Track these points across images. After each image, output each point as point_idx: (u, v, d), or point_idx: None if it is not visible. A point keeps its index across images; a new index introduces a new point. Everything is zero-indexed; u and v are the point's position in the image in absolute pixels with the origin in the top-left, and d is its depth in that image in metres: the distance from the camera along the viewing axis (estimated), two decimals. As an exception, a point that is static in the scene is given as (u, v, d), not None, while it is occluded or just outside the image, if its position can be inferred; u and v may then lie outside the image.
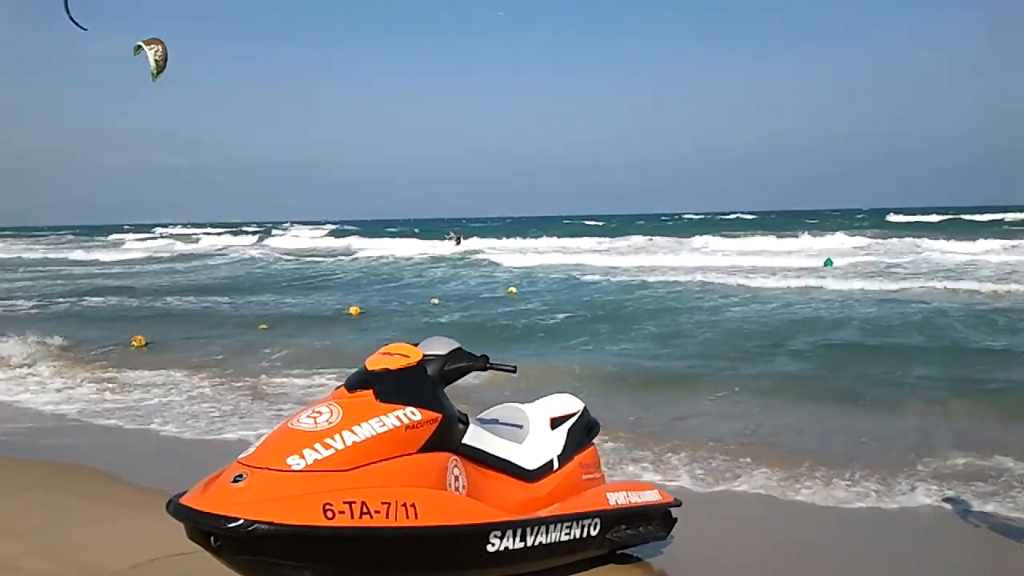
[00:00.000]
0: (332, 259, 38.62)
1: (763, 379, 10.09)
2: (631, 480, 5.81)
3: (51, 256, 47.13)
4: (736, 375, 10.32)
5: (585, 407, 4.30)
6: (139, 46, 6.45)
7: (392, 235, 60.70)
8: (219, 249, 52.61)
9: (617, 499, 4.17)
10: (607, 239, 49.27)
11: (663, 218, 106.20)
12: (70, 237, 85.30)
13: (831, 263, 28.34)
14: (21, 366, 11.93)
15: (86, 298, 22.02)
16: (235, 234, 74.69)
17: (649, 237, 49.22)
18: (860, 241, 39.42)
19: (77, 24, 12.36)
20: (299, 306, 20.23)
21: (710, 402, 9.08)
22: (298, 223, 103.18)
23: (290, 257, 40.85)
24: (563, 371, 10.78)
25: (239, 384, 10.43)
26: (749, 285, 21.59)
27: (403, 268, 32.16)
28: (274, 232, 76.30)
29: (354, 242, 53.43)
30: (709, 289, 21.10)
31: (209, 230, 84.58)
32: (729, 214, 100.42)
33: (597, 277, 25.65)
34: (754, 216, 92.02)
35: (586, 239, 49.51)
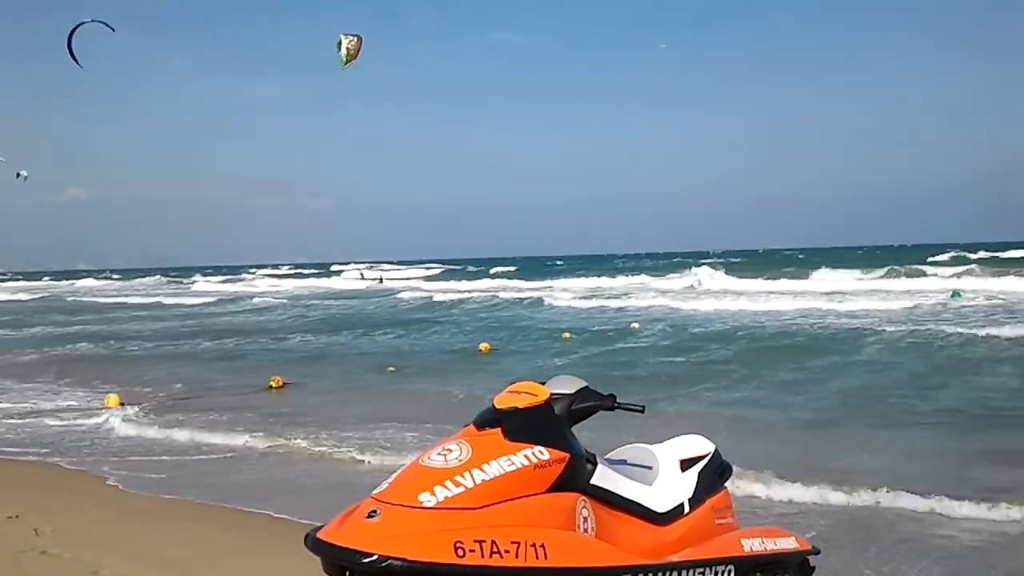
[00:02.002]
0: (447, 296, 39.16)
1: (916, 431, 9.57)
2: (767, 526, 5.62)
3: (186, 302, 49.53)
4: (882, 422, 9.89)
5: (716, 449, 4.18)
6: (340, 40, 7.02)
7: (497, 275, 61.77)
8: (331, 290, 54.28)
9: (752, 545, 4.03)
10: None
11: (762, 252, 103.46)
12: (197, 276, 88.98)
13: (959, 295, 26.98)
14: (162, 403, 12.62)
15: (226, 340, 23.11)
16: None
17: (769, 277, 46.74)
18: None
19: (76, 61, 13.23)
20: (423, 343, 20.68)
21: (849, 452, 8.68)
22: (433, 262, 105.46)
23: (411, 294, 41.72)
24: (691, 413, 10.62)
25: (376, 423, 10.68)
26: (872, 324, 20.72)
27: (524, 305, 32.37)
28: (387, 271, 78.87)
29: (455, 283, 54.23)
30: (831, 328, 20.40)
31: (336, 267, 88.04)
32: (836, 248, 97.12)
33: (704, 313, 25.31)
34: (861, 249, 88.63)
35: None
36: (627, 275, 52.71)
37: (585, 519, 3.35)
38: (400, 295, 41.64)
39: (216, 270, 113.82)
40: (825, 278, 40.39)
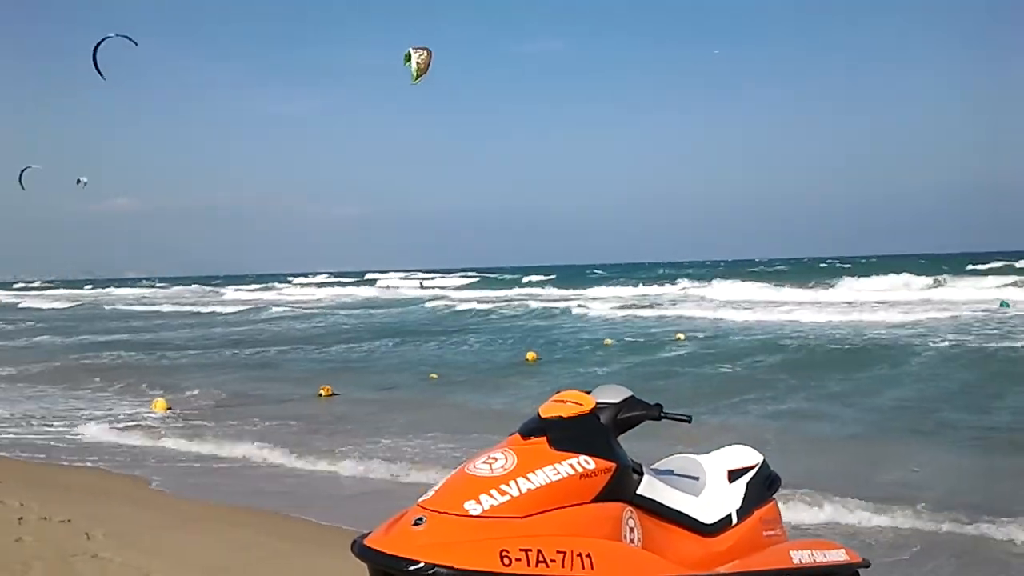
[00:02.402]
0: (485, 305, 39.16)
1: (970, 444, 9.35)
2: (816, 538, 5.54)
3: (221, 312, 50.20)
4: (931, 437, 9.71)
5: (764, 460, 4.13)
6: (408, 54, 7.06)
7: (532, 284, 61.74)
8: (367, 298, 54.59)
9: (801, 557, 3.97)
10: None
11: (801, 261, 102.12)
12: (222, 286, 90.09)
13: (1007, 305, 26.39)
14: (210, 410, 12.78)
15: (268, 348, 23.37)
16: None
17: (813, 286, 45.93)
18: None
19: (100, 73, 13.49)
20: (465, 352, 20.73)
21: (897, 468, 8.52)
22: (471, 270, 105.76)
23: (448, 302, 41.84)
24: (737, 424, 10.53)
25: (422, 431, 10.72)
26: (918, 334, 20.37)
27: (564, 313, 32.30)
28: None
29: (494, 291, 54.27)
30: (877, 338, 20.09)
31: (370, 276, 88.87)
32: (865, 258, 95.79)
33: (745, 322, 25.08)
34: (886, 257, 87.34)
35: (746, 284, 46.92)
36: (671, 283, 52.35)
37: (631, 529, 3.33)
38: (439, 304, 41.79)
39: (259, 278, 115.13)
40: (868, 287, 39.73)
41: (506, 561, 2.89)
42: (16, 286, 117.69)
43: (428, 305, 40.99)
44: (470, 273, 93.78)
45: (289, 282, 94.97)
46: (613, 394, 3.56)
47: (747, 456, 4.10)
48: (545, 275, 77.15)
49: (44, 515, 6.77)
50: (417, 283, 73.33)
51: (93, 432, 11.26)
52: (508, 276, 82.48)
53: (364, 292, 64.16)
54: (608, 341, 20.23)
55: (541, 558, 2.93)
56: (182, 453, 9.97)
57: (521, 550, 2.92)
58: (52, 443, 10.67)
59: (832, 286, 41.71)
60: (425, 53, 7.57)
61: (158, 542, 6.15)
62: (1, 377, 17.51)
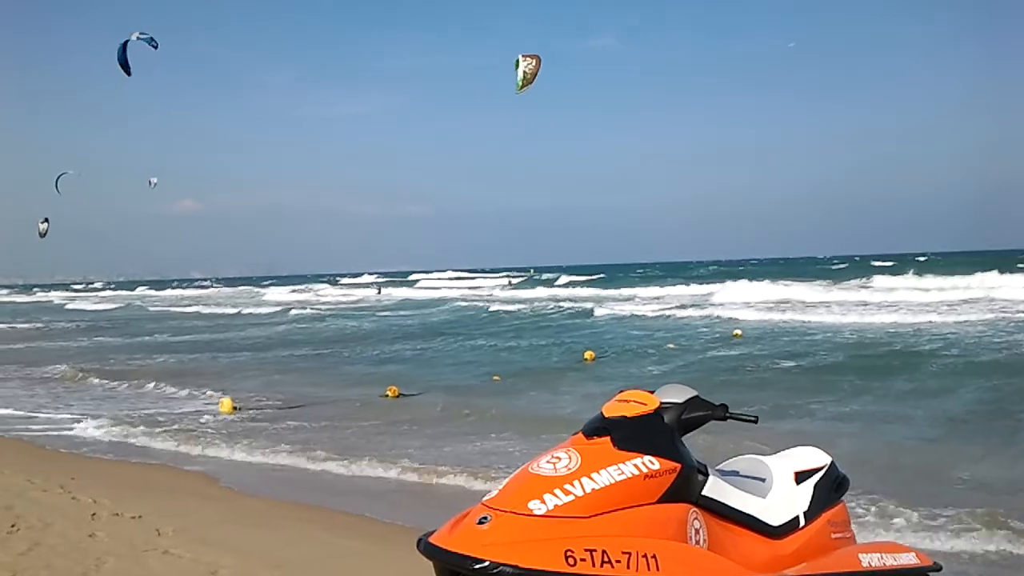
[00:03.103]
0: (537, 305, 39.11)
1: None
2: (885, 541, 5.43)
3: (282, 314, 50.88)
4: (1006, 441, 9.44)
5: (833, 461, 4.06)
6: (517, 60, 7.08)
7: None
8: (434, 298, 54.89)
9: (870, 560, 3.89)
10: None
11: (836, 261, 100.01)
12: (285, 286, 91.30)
13: None
14: (276, 409, 12.99)
15: (328, 348, 23.70)
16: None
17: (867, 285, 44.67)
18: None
19: (126, 71, 13.65)
20: (520, 350, 20.74)
21: (969, 471, 8.26)
22: (521, 269, 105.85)
23: (506, 302, 41.88)
24: (802, 424, 10.37)
25: (487, 431, 10.79)
26: (984, 332, 19.83)
27: (620, 314, 32.05)
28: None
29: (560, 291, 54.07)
30: (940, 336, 19.62)
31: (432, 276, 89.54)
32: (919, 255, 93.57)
33: (810, 323, 24.57)
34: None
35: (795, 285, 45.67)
36: (719, 282, 51.48)
37: (697, 531, 3.30)
38: (494, 304, 41.72)
39: (316, 278, 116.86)
40: (922, 285, 38.51)
41: (571, 561, 2.88)
42: (75, 287, 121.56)
43: (489, 307, 41.01)
44: (516, 272, 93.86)
45: (333, 282, 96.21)
46: (677, 394, 3.52)
47: (815, 457, 4.03)
48: (591, 275, 76.99)
49: (116, 511, 6.95)
50: (472, 283, 73.46)
51: (159, 430, 11.52)
52: (550, 275, 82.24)
53: (414, 292, 64.23)
54: (671, 345, 20.03)
55: (606, 558, 2.92)
56: (249, 451, 10.15)
57: (586, 550, 2.91)
58: (121, 440, 10.95)
59: (886, 286, 40.49)
60: (534, 62, 7.46)
61: (226, 538, 6.27)
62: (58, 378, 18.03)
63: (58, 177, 18.47)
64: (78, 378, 17.64)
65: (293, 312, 44.00)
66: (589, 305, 36.52)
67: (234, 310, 47.90)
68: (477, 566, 2.84)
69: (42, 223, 20.44)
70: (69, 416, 12.76)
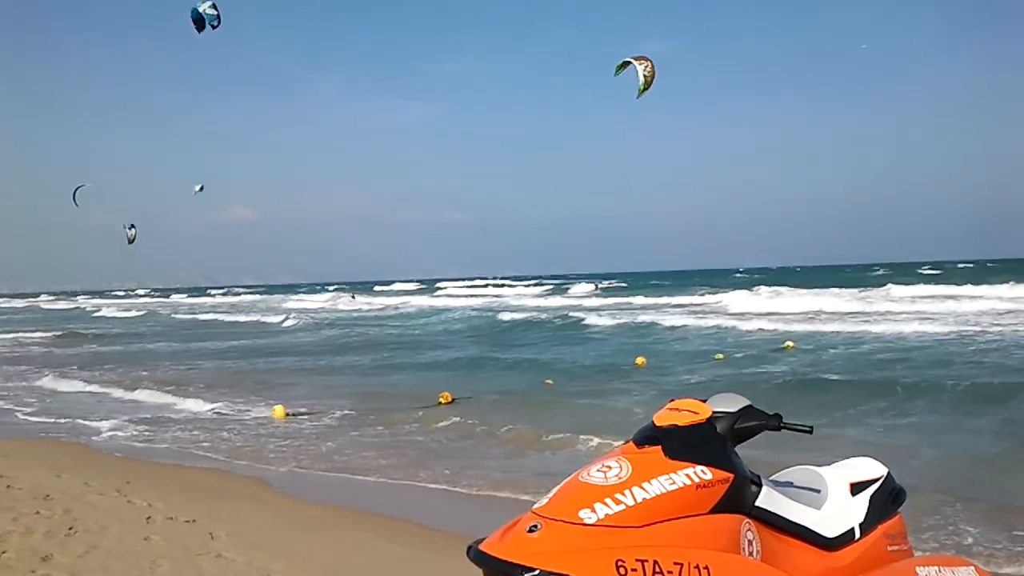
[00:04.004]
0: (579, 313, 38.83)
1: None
2: (944, 554, 5.31)
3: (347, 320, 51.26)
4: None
5: (889, 472, 3.98)
6: (627, 62, 6.91)
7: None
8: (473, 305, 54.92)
9: (928, 573, 3.80)
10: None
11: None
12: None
13: None
14: (329, 415, 13.11)
15: (376, 353, 23.88)
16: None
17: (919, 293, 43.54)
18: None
19: (199, 25, 13.73)
20: (571, 355, 20.67)
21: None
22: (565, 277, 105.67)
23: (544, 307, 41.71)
24: (857, 435, 10.20)
25: (542, 436, 10.77)
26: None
27: (667, 323, 31.67)
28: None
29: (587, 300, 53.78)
30: (1001, 346, 19.10)
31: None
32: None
33: (865, 333, 24.07)
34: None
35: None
36: (768, 287, 50.72)
37: (750, 542, 3.25)
38: (534, 311, 41.54)
39: (364, 285, 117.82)
40: (977, 293, 37.45)
41: (622, 571, 2.85)
42: (116, 294, 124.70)
43: (544, 316, 40.89)
44: (570, 280, 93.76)
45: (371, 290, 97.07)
46: (730, 403, 3.48)
47: (871, 468, 3.96)
48: (620, 281, 76.54)
49: (170, 515, 7.06)
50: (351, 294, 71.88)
51: (215, 435, 11.69)
52: (625, 283, 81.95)
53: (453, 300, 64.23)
54: (719, 356, 19.78)
55: (658, 569, 2.89)
56: (301, 457, 10.25)
57: (637, 560, 2.88)
58: (176, 447, 11.13)
59: (944, 294, 39.52)
60: (650, 65, 7.29)
61: (279, 543, 6.33)
62: (111, 380, 18.41)
63: (75, 190, 18.73)
64: (127, 384, 17.99)
65: (399, 312, 44.19)
66: (630, 313, 36.31)
67: (277, 318, 48.19)
68: (527, 574, 2.83)
69: (129, 229, 20.72)
70: (118, 422, 13.02)
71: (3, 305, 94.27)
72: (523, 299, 59.26)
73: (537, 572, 2.82)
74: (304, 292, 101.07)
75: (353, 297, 59.12)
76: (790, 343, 21.49)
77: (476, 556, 3.06)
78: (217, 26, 13.77)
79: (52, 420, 13.40)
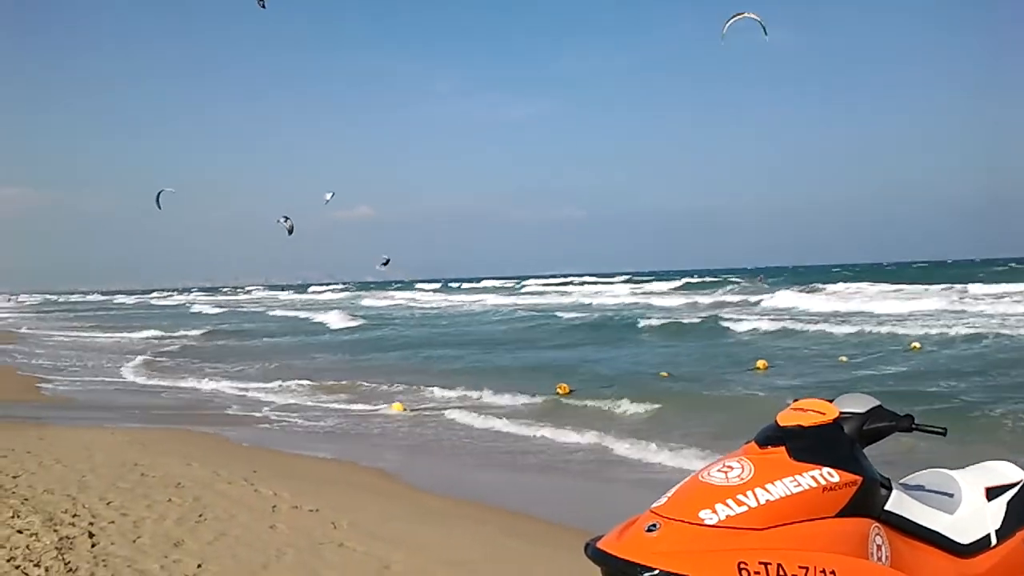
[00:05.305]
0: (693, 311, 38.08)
1: None
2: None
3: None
4: None
5: (1028, 477, 3.78)
6: (737, 15, 6.86)
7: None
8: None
9: (1073, 588, 3.60)
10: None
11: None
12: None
13: None
14: (444, 410, 13.33)
15: (498, 349, 24.09)
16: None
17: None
18: None
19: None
20: (689, 356, 20.41)
21: None
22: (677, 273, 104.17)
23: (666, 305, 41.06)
24: (997, 437, 9.77)
25: (662, 433, 10.70)
26: None
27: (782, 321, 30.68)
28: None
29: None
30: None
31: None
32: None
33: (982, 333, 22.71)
34: None
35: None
36: (907, 284, 48.49)
37: (879, 547, 3.15)
38: (641, 310, 40.89)
39: (476, 280, 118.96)
40: None
41: (744, 574, 2.80)
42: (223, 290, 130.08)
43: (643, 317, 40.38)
44: (676, 277, 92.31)
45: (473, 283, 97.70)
46: (858, 403, 3.37)
47: (1008, 472, 3.77)
48: (715, 276, 74.96)
49: (295, 504, 7.29)
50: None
51: (339, 426, 12.03)
52: (735, 277, 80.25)
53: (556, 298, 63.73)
54: (843, 358, 19.05)
55: (782, 572, 2.82)
56: (424, 448, 10.46)
57: (760, 563, 2.82)
58: (302, 435, 11.51)
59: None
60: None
61: (400, 534, 6.46)
62: (238, 374, 19.12)
63: (158, 193, 19.34)
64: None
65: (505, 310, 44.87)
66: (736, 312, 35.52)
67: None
68: (647, 574, 2.80)
69: (285, 222, 21.26)
70: (247, 413, 13.56)
71: (118, 301, 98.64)
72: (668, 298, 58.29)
73: (657, 572, 2.79)
74: (427, 289, 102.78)
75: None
76: (916, 344, 20.62)
77: (594, 554, 3.05)
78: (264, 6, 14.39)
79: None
